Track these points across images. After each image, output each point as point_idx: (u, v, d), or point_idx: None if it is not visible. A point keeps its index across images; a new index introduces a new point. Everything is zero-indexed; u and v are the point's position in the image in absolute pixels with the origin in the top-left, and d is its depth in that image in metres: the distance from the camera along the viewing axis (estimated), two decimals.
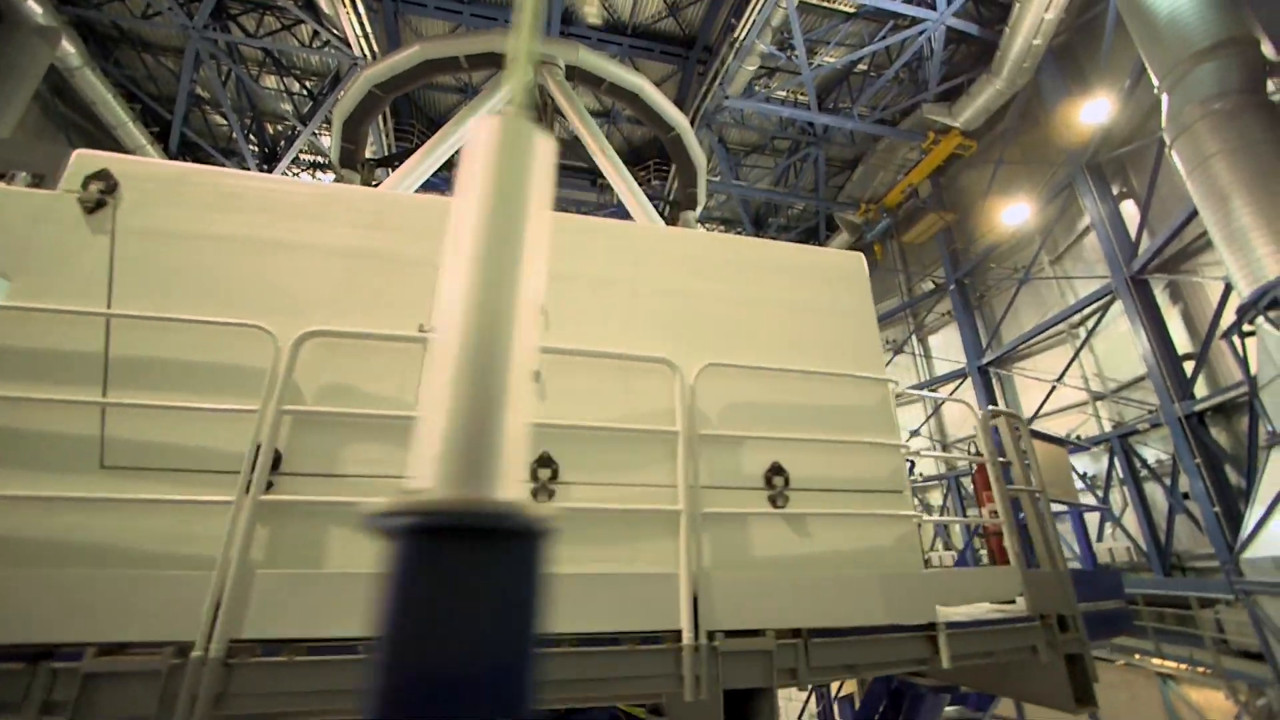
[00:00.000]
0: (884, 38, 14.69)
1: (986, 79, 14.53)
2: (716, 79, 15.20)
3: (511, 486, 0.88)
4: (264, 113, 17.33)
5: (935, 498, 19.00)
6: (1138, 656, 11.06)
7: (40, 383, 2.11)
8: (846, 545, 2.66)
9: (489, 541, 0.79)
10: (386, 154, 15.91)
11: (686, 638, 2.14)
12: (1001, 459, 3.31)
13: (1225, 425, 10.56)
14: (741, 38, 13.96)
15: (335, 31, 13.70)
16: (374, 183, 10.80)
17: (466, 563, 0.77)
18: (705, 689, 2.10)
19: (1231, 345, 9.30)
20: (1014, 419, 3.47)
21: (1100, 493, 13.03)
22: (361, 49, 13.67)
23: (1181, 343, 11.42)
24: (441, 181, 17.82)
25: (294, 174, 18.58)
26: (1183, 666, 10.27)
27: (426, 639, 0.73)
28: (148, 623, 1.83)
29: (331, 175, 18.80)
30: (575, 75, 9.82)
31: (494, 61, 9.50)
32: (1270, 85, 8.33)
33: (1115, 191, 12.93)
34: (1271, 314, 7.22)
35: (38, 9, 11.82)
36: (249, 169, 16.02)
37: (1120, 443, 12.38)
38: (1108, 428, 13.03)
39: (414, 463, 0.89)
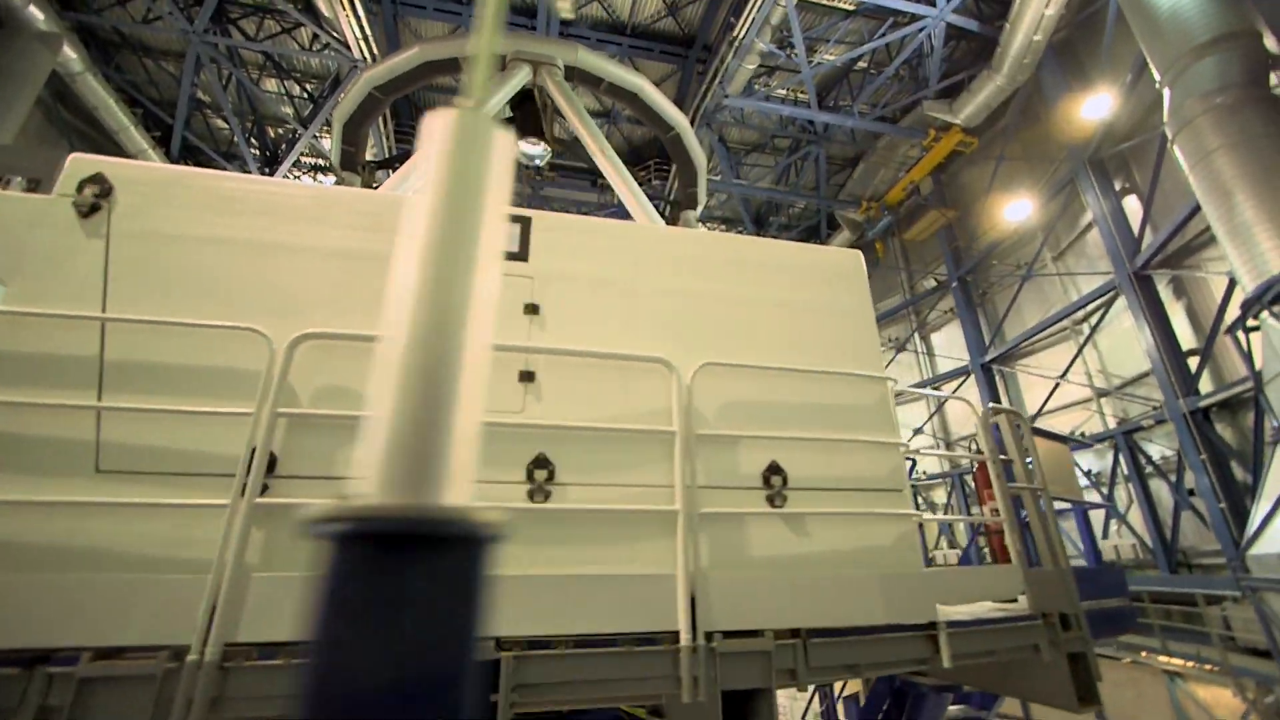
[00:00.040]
0: (884, 35, 14.64)
1: (987, 75, 14.47)
2: (716, 78, 15.17)
3: (458, 491, 0.86)
4: (265, 116, 17.37)
5: (939, 496, 18.94)
6: (1144, 654, 11.00)
7: (35, 387, 2.11)
8: (845, 545, 2.65)
9: (427, 548, 0.78)
10: (387, 156, 15.93)
11: (684, 639, 2.13)
12: (1003, 456, 3.29)
13: (1230, 421, 10.50)
14: (741, 36, 13.93)
15: (335, 34, 13.72)
16: (375, 185, 10.81)
17: (401, 570, 0.75)
18: (703, 690, 2.09)
19: (1236, 340, 9.24)
20: (1014, 416, 3.45)
21: (1105, 490, 12.97)
22: (361, 51, 13.68)
23: (1186, 338, 11.35)
24: None
25: (295, 177, 18.63)
26: (1190, 664, 10.21)
27: (357, 647, 0.71)
28: (143, 627, 1.82)
29: (332, 178, 18.86)
30: (574, 75, 9.81)
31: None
32: (1273, 78, 8.27)
33: (1118, 187, 12.86)
34: (1276, 308, 7.17)
35: (39, 15, 11.86)
36: (250, 172, 16.08)
37: (1125, 439, 12.31)
38: (1112, 424, 12.97)
39: (358, 466, 0.87)
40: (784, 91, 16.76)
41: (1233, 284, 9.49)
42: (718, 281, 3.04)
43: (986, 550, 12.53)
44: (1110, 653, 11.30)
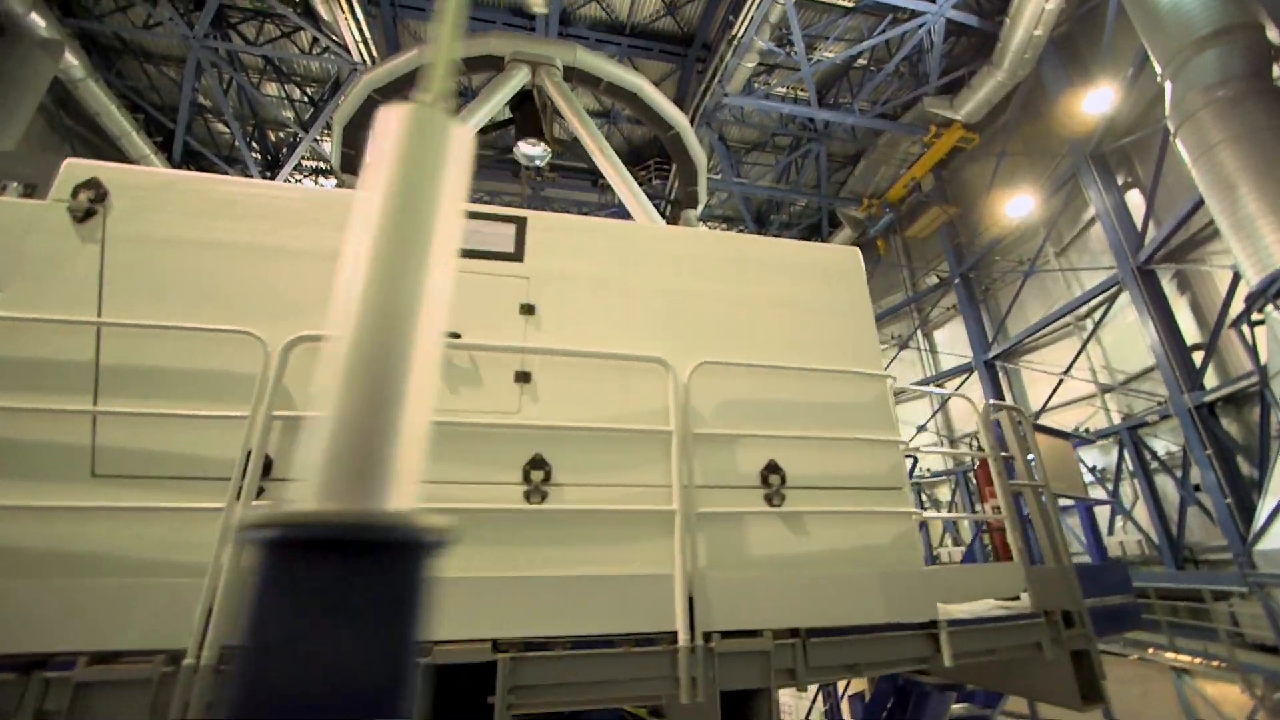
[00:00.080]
0: (883, 31, 14.59)
1: (987, 71, 14.41)
2: (715, 77, 15.15)
3: (403, 495, 0.84)
4: (266, 120, 17.43)
5: (944, 493, 18.88)
6: (1151, 651, 10.94)
7: (31, 392, 2.11)
8: (845, 543, 2.64)
9: (363, 555, 0.76)
10: None
11: (682, 639, 2.12)
12: (1004, 454, 3.27)
13: (1236, 415, 10.43)
14: (740, 35, 13.90)
15: (334, 38, 13.75)
16: None
17: (334, 577, 0.73)
18: (702, 691, 2.07)
19: (1241, 334, 9.19)
20: (1015, 413, 3.43)
21: (1110, 486, 12.90)
22: (361, 54, 13.71)
23: (1190, 333, 11.28)
24: None
25: (297, 180, 18.69)
26: (1197, 661, 10.15)
27: (285, 657, 0.70)
28: (140, 631, 1.82)
29: (333, 181, 18.90)
30: (573, 76, 9.82)
31: (492, 64, 9.52)
32: (1275, 70, 8.21)
33: (1120, 182, 12.80)
34: None
35: (41, 22, 11.92)
36: (252, 176, 16.13)
37: (1129, 435, 12.24)
38: (1117, 420, 12.90)
39: (299, 470, 0.86)
40: (784, 89, 16.73)
41: (1237, 278, 9.42)
42: (715, 280, 3.02)
43: (991, 547, 12.49)
44: (1116, 649, 11.24)
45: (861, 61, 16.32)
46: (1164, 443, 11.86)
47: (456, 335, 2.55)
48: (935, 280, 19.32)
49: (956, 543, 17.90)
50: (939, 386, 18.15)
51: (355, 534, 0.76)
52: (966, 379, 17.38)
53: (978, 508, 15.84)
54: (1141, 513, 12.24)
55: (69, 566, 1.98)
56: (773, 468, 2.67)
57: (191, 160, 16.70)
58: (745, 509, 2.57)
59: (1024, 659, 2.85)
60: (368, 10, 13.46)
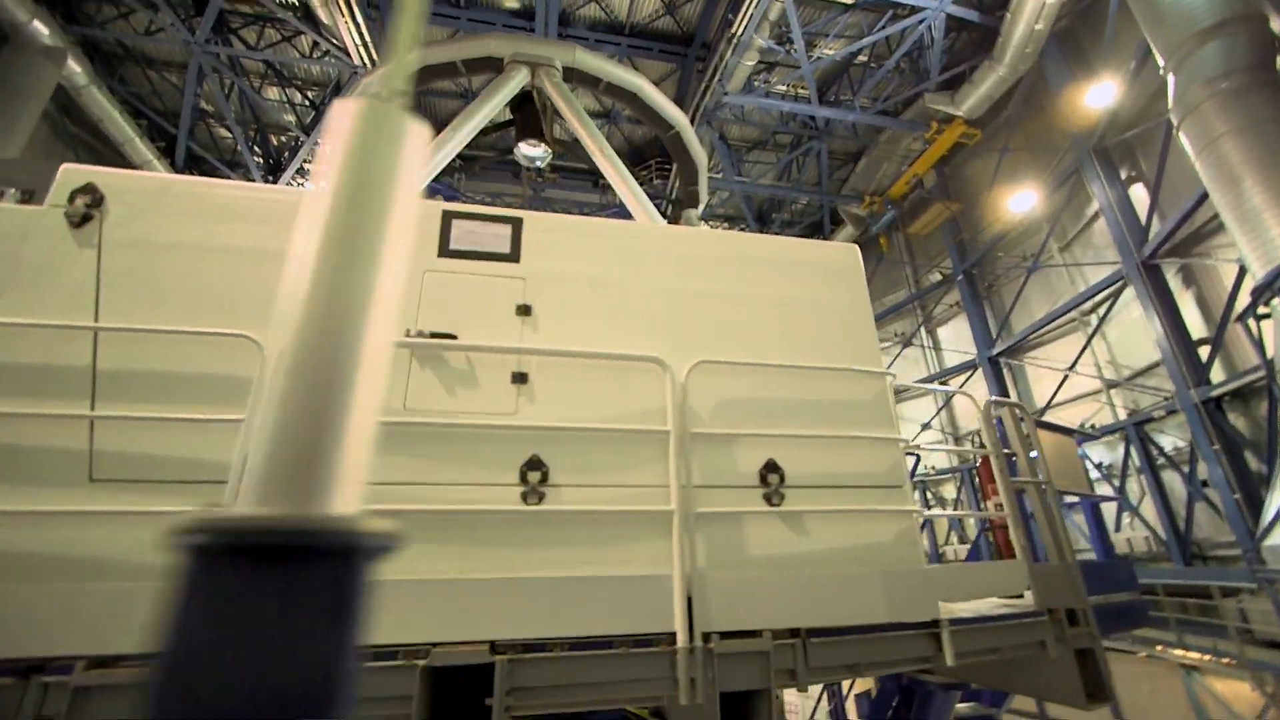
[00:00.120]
0: (883, 28, 14.54)
1: (989, 66, 14.33)
2: (715, 75, 15.13)
3: (345, 499, 0.82)
4: (267, 124, 17.50)
5: (949, 491, 18.80)
6: (1159, 648, 10.85)
7: (29, 397, 2.12)
8: (845, 542, 2.62)
9: (297, 561, 0.74)
10: None
11: (681, 640, 2.11)
12: (1006, 450, 3.25)
13: (1243, 410, 10.34)
14: (739, 33, 13.87)
15: (335, 41, 13.79)
16: None
17: (262, 584, 0.71)
18: (701, 692, 2.06)
19: (1247, 328, 9.11)
20: (1017, 409, 3.40)
21: (1116, 482, 12.82)
22: (361, 58, 13.75)
23: (1196, 327, 11.20)
24: (442, 186, 17.90)
25: (299, 184, 18.75)
26: (1207, 658, 10.06)
27: (205, 667, 0.68)
28: (138, 635, 1.82)
29: None
30: (573, 76, 9.82)
31: (491, 65, 9.52)
32: (1279, 62, 8.15)
33: (1124, 176, 12.71)
34: None
35: (44, 30, 12.00)
36: (254, 180, 16.20)
37: (1136, 430, 12.16)
38: (1123, 416, 12.82)
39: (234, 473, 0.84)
40: (784, 87, 16.69)
41: (1243, 271, 9.35)
42: (712, 279, 3.01)
43: (994, 545, 12.42)
44: (1125, 647, 11.16)
45: (862, 58, 16.26)
46: (1171, 438, 11.77)
47: (453, 337, 2.55)
48: (938, 277, 19.24)
49: (963, 541, 17.82)
50: (943, 384, 18.07)
51: (289, 539, 0.74)
52: (971, 376, 17.30)
53: (983, 505, 15.77)
54: (1149, 509, 12.16)
55: (67, 571, 1.98)
56: (772, 467, 2.65)
57: (194, 165, 16.78)
58: (744, 508, 2.55)
59: (1028, 657, 2.83)
60: (367, 13, 13.50)
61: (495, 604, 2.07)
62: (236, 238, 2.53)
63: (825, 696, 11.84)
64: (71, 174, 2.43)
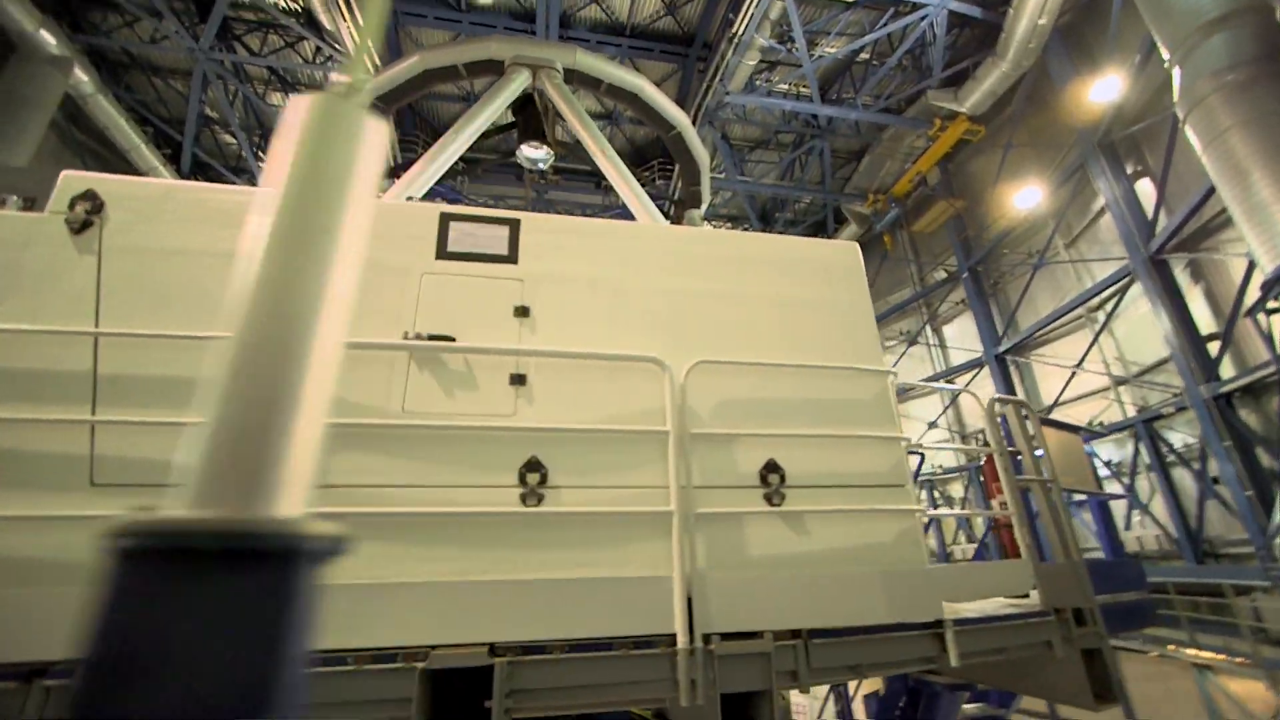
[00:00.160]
0: (885, 25, 14.49)
1: (992, 62, 14.25)
2: (717, 75, 15.11)
3: (290, 502, 0.80)
4: (272, 129, 17.60)
5: (956, 490, 18.68)
6: (1171, 648, 10.74)
7: (30, 402, 2.13)
8: (846, 542, 2.60)
9: (235, 564, 0.72)
10: (393, 165, 16.07)
11: (681, 641, 2.10)
12: (1011, 449, 3.22)
13: (1254, 406, 10.22)
14: (740, 33, 13.86)
15: (337, 46, 13.87)
16: (381, 194, 10.91)
17: (189, 589, 0.69)
18: (702, 693, 2.05)
19: (1257, 323, 9.01)
20: (1021, 406, 3.37)
21: (1126, 480, 12.70)
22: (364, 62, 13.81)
23: (1205, 323, 11.08)
24: (445, 189, 17.96)
25: None
26: (1220, 657, 9.94)
27: (127, 675, 0.66)
28: None
29: None
30: (574, 78, 9.82)
31: (492, 68, 9.55)
32: None
33: (1130, 171, 12.61)
34: None
35: (51, 40, 12.12)
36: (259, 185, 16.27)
37: (1145, 428, 12.05)
38: (1131, 413, 12.70)
39: (178, 474, 0.82)
40: (786, 86, 16.66)
41: (1252, 266, 9.25)
42: (711, 279, 3.00)
43: (1000, 544, 12.31)
44: (1136, 646, 11.05)
45: (864, 56, 16.21)
46: (1181, 435, 11.66)
47: (451, 339, 2.55)
48: (943, 275, 19.13)
49: (971, 540, 17.71)
50: (949, 382, 17.97)
51: (223, 542, 0.72)
52: (977, 374, 17.19)
53: (990, 505, 15.64)
54: (1159, 507, 12.04)
55: (69, 575, 1.98)
56: (772, 467, 2.64)
57: (200, 171, 16.92)
58: (744, 509, 2.54)
59: (1035, 658, 2.80)
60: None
61: (494, 606, 2.06)
62: (237, 242, 2.54)
63: (832, 698, 11.78)
64: (72, 181, 2.45)
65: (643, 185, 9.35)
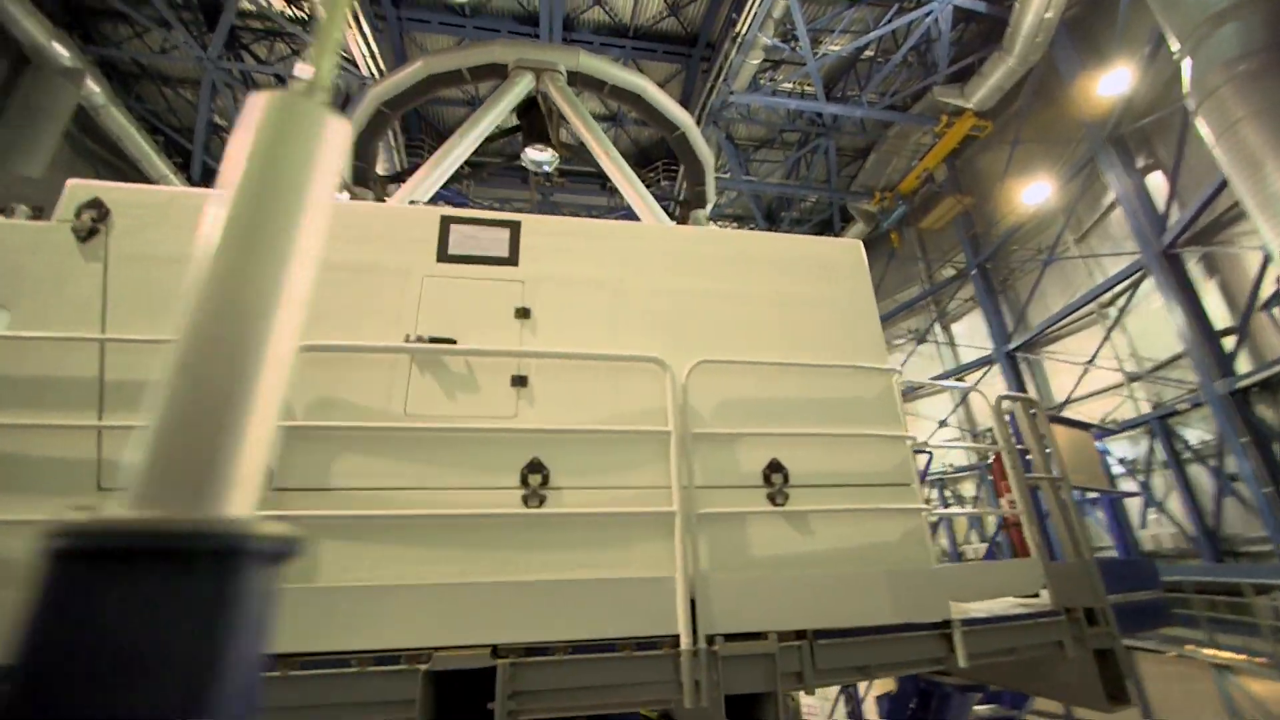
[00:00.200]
0: (889, 21, 14.41)
1: (998, 57, 14.13)
2: (721, 75, 15.09)
3: (236, 503, 0.79)
4: None
5: (968, 489, 18.50)
6: (1189, 648, 10.56)
7: (38, 408, 2.16)
8: (851, 542, 2.57)
9: (166, 567, 0.70)
10: (399, 169, 16.19)
11: (684, 642, 2.08)
12: (1020, 447, 3.18)
13: (1272, 401, 10.04)
14: (743, 32, 13.83)
15: (343, 53, 14.00)
16: (387, 198, 10.99)
17: (124, 591, 0.67)
18: (705, 695, 2.04)
19: (1273, 317, 8.86)
20: (1030, 404, 3.33)
21: (1141, 478, 12.52)
22: (369, 68, 13.95)
23: (1220, 317, 10.91)
24: (451, 193, 18.06)
25: None
26: (1241, 657, 9.76)
27: (56, 679, 0.64)
28: None
29: (347, 194, 19.20)
30: (577, 80, 9.85)
31: (496, 72, 9.59)
32: None
33: (1140, 164, 12.45)
34: None
35: (64, 52, 12.34)
36: None
37: (1160, 424, 11.88)
38: (1146, 409, 12.52)
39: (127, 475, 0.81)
40: (790, 85, 16.61)
41: (1268, 258, 9.10)
42: (713, 278, 2.99)
43: (1010, 543, 12.18)
44: (1154, 646, 10.88)
45: (868, 53, 16.13)
46: (1197, 432, 11.48)
47: (452, 341, 2.55)
48: (952, 272, 18.98)
49: (984, 539, 17.53)
50: (959, 380, 17.81)
51: (159, 542, 0.72)
52: (987, 371, 17.03)
53: (999, 504, 15.47)
54: (1176, 505, 11.86)
55: None
56: (775, 466, 2.62)
57: (210, 178, 17.11)
58: (747, 509, 2.52)
59: (1046, 658, 2.76)
60: (374, 25, 13.68)
61: (497, 607, 2.06)
62: None
63: (842, 699, 11.69)
64: (78, 189, 2.48)
65: (648, 186, 9.34)
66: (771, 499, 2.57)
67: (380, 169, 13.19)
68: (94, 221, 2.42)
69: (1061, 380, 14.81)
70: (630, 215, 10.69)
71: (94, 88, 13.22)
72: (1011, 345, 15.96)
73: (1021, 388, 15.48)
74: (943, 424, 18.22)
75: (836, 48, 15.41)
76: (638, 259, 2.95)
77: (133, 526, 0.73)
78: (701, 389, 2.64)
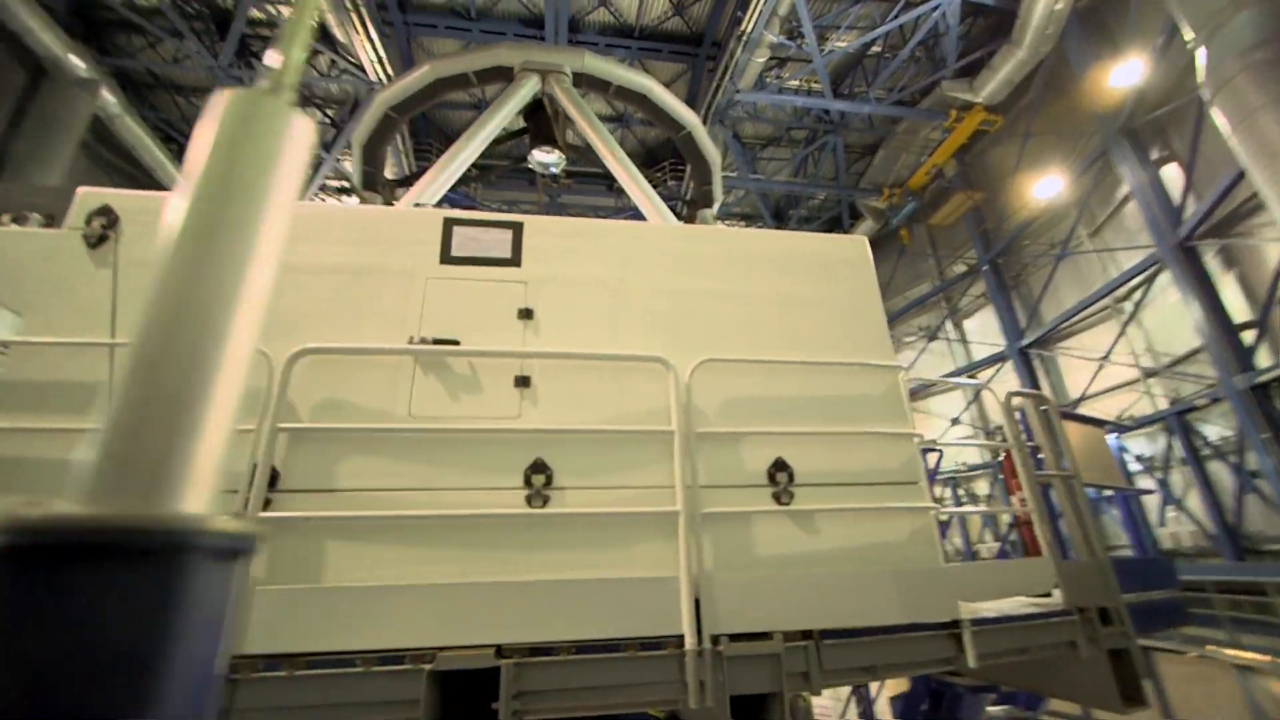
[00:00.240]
0: (896, 16, 14.28)
1: (1008, 50, 13.96)
2: (727, 74, 15.04)
3: (191, 500, 0.78)
4: None
5: (982, 487, 18.29)
6: (1210, 648, 10.36)
7: (49, 412, 2.20)
8: (858, 541, 2.55)
9: (113, 563, 0.69)
10: (407, 173, 16.31)
11: (689, 642, 2.07)
12: (1031, 444, 3.13)
13: None
14: (749, 30, 13.78)
15: (351, 59, 14.14)
16: (395, 202, 11.08)
17: (65, 587, 0.66)
18: (710, 695, 2.02)
19: None
20: (1040, 400, 3.28)
21: (1159, 475, 12.31)
22: (377, 73, 14.06)
23: (1239, 310, 10.69)
24: (459, 196, 18.17)
25: (321, 199, 19.23)
26: (1264, 658, 9.56)
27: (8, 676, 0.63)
28: None
29: (356, 199, 19.40)
30: (583, 81, 9.88)
31: (502, 75, 9.64)
32: None
33: (1154, 156, 12.23)
34: None
35: (80, 63, 12.57)
36: None
37: (1178, 421, 11.67)
38: (1163, 405, 12.31)
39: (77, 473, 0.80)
40: (797, 82, 16.51)
41: None
42: (715, 277, 2.98)
43: (1022, 542, 12.01)
44: (1174, 646, 10.68)
45: (876, 49, 16.00)
46: (1216, 427, 11.26)
47: (455, 342, 2.57)
48: (963, 268, 18.77)
49: (997, 538, 17.32)
50: (971, 377, 17.62)
51: (102, 538, 0.71)
52: (1000, 368, 16.82)
53: (1010, 501, 15.27)
54: (1195, 503, 11.64)
55: None
56: (780, 465, 2.60)
57: None
58: (752, 508, 2.51)
59: (1059, 659, 2.72)
60: (382, 30, 13.80)
61: (501, 607, 2.06)
62: None
63: (854, 700, 11.61)
64: (88, 197, 2.53)
65: (654, 186, 9.34)
66: (776, 498, 2.55)
67: (389, 173, 13.31)
68: (104, 228, 2.46)
69: (1076, 376, 14.59)
70: (637, 216, 10.70)
71: (109, 98, 13.46)
72: (1024, 341, 15.76)
73: (1035, 384, 15.27)
74: (955, 422, 18.02)
75: (843, 44, 15.30)
76: (640, 259, 2.95)
77: (78, 522, 0.72)
78: (705, 388, 2.63)
